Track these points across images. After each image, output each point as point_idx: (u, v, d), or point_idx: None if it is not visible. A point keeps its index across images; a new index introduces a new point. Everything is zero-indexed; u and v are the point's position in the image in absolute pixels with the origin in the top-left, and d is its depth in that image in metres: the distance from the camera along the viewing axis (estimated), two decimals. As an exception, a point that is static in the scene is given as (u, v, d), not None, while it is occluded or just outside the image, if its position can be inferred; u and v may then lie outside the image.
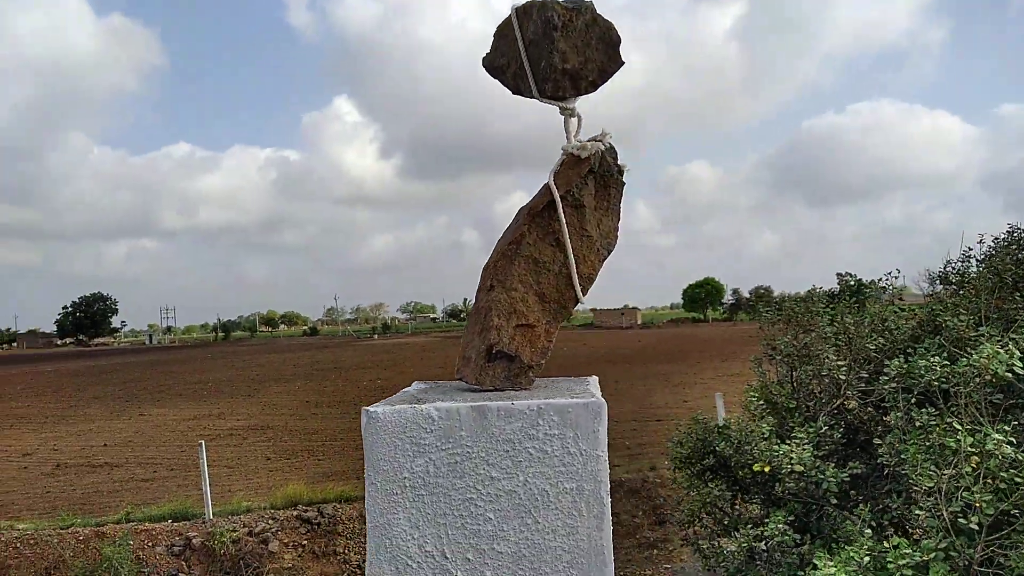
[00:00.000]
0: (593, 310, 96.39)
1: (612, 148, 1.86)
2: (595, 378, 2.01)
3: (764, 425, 5.73)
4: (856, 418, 5.76)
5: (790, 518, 5.18)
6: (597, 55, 1.76)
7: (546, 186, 1.81)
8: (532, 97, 1.81)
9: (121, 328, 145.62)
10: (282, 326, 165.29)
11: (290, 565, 9.19)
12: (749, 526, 5.45)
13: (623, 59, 1.79)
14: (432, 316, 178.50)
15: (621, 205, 1.88)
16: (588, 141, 1.82)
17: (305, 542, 9.53)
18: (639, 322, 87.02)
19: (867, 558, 4.06)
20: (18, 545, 8.66)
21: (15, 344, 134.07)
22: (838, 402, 5.74)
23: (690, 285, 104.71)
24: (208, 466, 10.32)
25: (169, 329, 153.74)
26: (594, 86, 1.81)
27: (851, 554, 4.11)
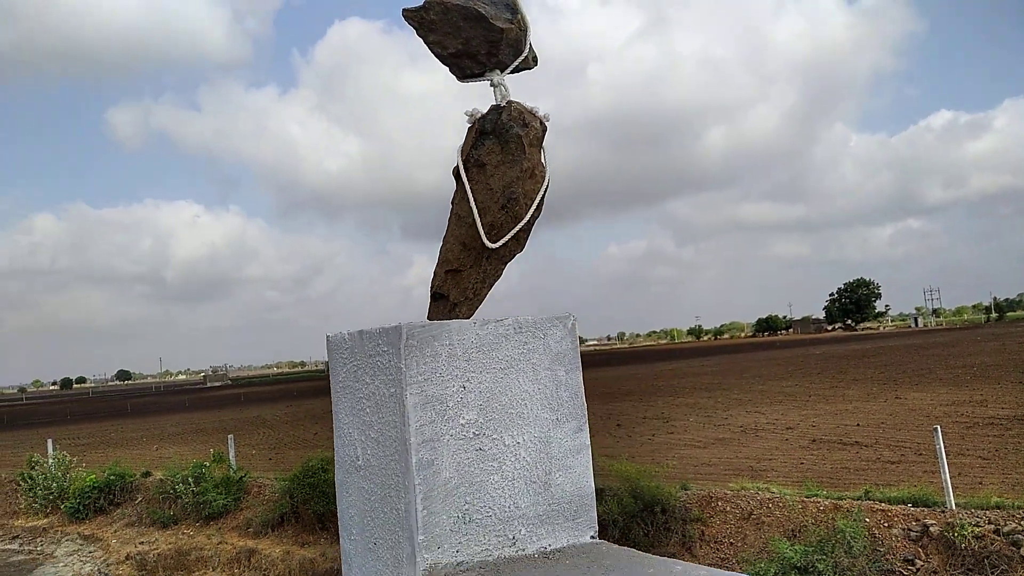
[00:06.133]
0: None
1: (509, 107, 2.06)
2: (565, 315, 2.19)
3: None
4: None
5: None
6: (473, 31, 2.01)
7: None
8: (462, 81, 2.15)
9: (886, 312, 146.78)
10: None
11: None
12: None
13: (500, 24, 2.00)
14: None
15: (526, 156, 2.06)
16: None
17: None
18: None
19: None
20: (770, 505, 9.78)
21: (791, 330, 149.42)
22: None
23: None
24: (957, 455, 9.72)
25: (936, 311, 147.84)
26: (492, 57, 2.06)
27: None
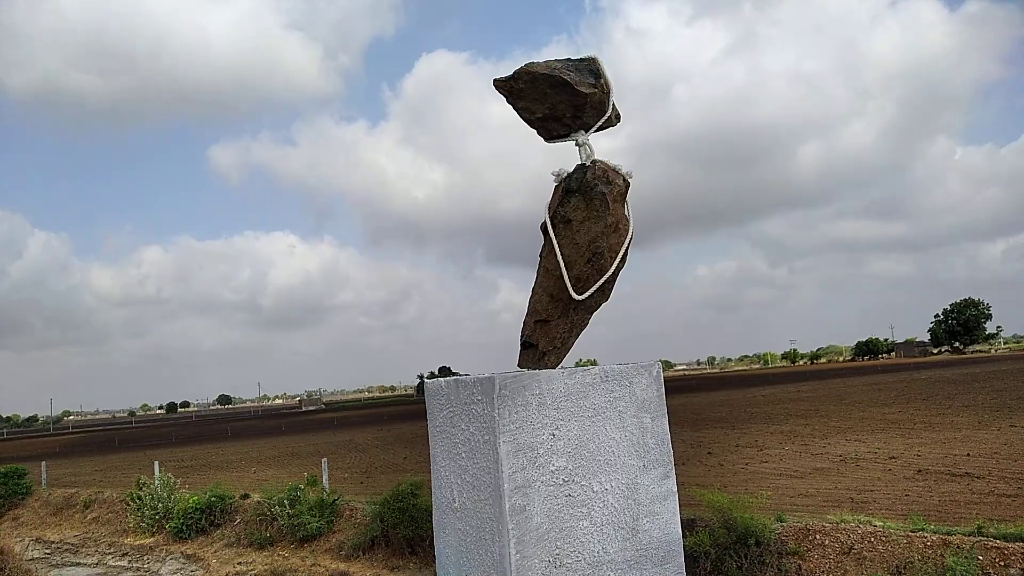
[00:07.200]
0: None
1: (594, 166, 2.19)
2: (650, 363, 2.27)
3: None
4: None
5: None
6: (559, 97, 2.12)
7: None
8: (548, 142, 2.26)
9: (997, 334, 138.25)
10: None
11: None
12: None
13: (584, 90, 2.11)
14: None
15: (610, 212, 2.17)
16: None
17: None
18: None
19: None
20: (872, 540, 9.30)
21: (893, 353, 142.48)
22: None
23: None
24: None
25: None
26: (577, 119, 2.18)
27: None
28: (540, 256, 2.27)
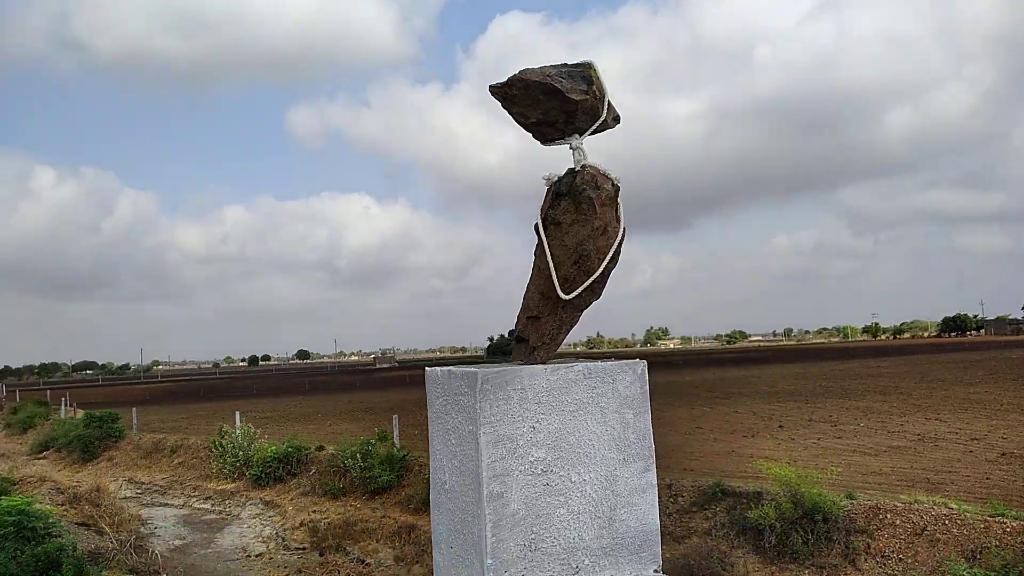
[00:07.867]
0: None
1: (583, 171, 2.27)
2: (635, 362, 2.35)
3: None
4: None
5: None
6: (552, 103, 2.19)
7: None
8: (544, 145, 2.34)
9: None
10: None
11: None
12: None
13: (575, 97, 2.17)
14: None
15: (598, 215, 2.25)
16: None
17: None
18: None
19: None
20: (946, 522, 9.05)
21: (983, 330, 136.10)
22: None
23: None
24: None
25: None
26: (570, 124, 2.26)
27: None
28: (534, 255, 2.37)
